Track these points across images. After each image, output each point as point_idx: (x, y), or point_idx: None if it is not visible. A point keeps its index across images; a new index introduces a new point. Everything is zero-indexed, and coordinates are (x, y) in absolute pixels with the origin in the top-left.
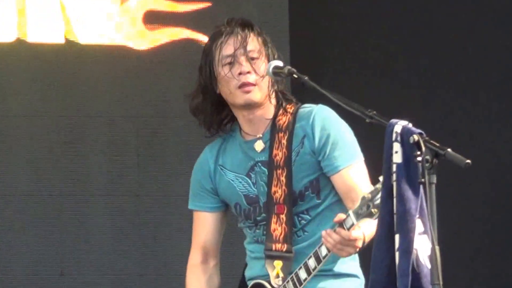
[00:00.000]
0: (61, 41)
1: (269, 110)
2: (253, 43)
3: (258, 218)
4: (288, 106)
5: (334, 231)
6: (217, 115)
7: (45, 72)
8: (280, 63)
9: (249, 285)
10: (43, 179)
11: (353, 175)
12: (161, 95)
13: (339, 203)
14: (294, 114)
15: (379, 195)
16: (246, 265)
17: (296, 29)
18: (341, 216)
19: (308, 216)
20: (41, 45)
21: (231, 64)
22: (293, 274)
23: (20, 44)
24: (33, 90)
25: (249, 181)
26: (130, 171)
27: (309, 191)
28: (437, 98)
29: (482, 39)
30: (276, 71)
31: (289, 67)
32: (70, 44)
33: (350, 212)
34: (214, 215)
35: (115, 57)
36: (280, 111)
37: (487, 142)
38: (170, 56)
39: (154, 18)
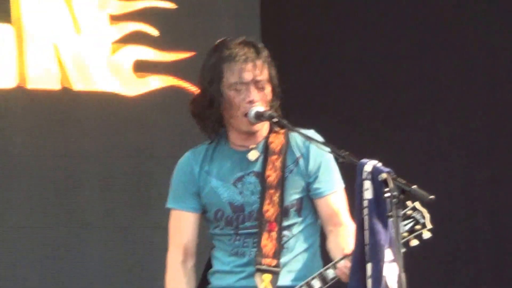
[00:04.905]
0: (58, 87)
1: (264, 127)
2: (264, 71)
3: (241, 226)
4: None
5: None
6: (219, 124)
7: (43, 116)
8: (261, 109)
9: None
10: (38, 213)
11: (337, 200)
12: (149, 136)
13: (314, 225)
14: (286, 135)
15: None
16: (208, 268)
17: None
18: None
19: (289, 233)
20: (39, 91)
21: (241, 90)
22: None
23: (20, 90)
24: (32, 132)
25: (235, 190)
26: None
27: (294, 208)
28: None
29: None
30: (258, 116)
31: (269, 112)
32: (65, 91)
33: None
34: (196, 216)
35: (107, 102)
36: (273, 130)
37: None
38: (157, 101)
39: (143, 67)
